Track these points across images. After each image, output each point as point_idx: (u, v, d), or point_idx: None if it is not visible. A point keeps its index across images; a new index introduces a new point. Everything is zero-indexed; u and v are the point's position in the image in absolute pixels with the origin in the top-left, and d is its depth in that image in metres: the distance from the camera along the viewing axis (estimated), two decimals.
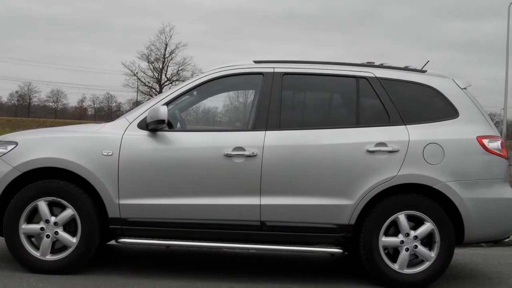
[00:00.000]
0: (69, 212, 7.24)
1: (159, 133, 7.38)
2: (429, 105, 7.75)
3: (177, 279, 7.27)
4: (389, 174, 7.29)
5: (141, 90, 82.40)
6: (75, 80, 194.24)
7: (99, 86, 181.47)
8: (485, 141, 7.37)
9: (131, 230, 7.33)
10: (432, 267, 7.33)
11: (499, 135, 7.59)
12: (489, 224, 7.34)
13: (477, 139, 7.37)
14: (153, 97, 27.14)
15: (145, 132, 7.38)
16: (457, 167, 7.31)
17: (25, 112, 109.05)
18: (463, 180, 7.27)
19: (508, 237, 8.11)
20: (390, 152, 7.32)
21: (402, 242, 7.29)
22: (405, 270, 7.31)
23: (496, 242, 8.74)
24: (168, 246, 7.67)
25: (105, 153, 7.24)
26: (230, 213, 7.19)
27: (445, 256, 7.34)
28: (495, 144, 7.39)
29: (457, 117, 7.53)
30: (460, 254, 9.36)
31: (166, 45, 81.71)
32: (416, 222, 7.36)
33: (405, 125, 7.48)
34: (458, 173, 7.30)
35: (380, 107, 7.58)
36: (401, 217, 7.30)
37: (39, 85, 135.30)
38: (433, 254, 7.33)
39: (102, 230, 7.37)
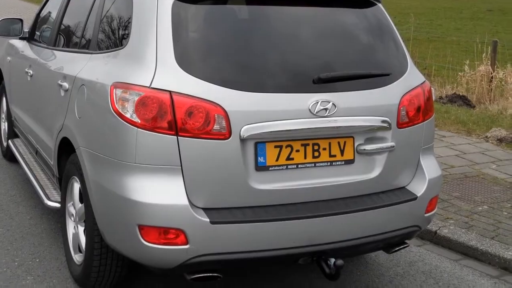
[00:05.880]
0: None
1: None
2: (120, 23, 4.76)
3: None
4: (60, 121, 5.09)
5: None
6: None
7: None
8: (117, 93, 4.09)
9: None
10: None
11: (148, 84, 3.94)
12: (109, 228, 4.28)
13: (110, 88, 4.16)
14: None
15: None
16: (91, 128, 4.49)
17: None
18: (93, 150, 4.37)
19: None
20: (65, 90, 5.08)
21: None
22: None
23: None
24: None
25: None
26: None
27: None
28: (128, 102, 4.00)
29: (125, 45, 4.40)
30: None
31: None
32: None
33: (90, 53, 4.98)
34: (91, 138, 4.46)
35: None
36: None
37: None
38: None
39: None
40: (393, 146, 4.36)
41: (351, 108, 4.22)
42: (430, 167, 4.64)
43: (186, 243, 3.92)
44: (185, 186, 3.92)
